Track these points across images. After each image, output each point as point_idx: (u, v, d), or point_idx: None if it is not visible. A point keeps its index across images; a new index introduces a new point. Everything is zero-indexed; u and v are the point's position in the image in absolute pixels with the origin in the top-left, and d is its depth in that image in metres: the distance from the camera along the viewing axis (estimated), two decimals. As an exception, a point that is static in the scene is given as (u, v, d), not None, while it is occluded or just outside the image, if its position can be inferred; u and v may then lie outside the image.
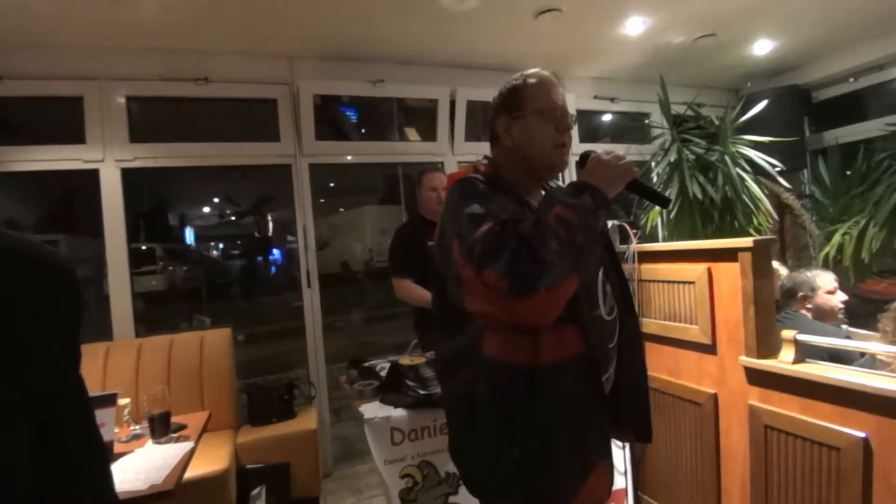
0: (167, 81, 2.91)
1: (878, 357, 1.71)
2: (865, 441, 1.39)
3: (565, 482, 1.00)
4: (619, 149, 4.29)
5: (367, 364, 2.37)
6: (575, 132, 3.92)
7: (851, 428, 1.42)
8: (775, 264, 2.76)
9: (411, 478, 1.84)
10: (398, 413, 1.86)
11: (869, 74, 3.95)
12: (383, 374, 2.15)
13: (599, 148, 1.10)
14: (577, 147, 3.86)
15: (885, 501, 1.37)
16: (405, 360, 2.13)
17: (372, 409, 1.90)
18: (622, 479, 2.17)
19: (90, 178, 2.83)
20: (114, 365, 2.59)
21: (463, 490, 1.88)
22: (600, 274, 1.16)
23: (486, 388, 1.00)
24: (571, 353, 1.01)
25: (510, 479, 0.98)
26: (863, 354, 1.82)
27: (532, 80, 1.15)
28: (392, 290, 2.54)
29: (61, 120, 2.88)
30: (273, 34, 2.85)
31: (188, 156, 3.05)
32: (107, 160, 2.83)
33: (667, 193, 3.48)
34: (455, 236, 0.98)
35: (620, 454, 2.17)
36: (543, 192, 1.19)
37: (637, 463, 2.23)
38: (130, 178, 2.92)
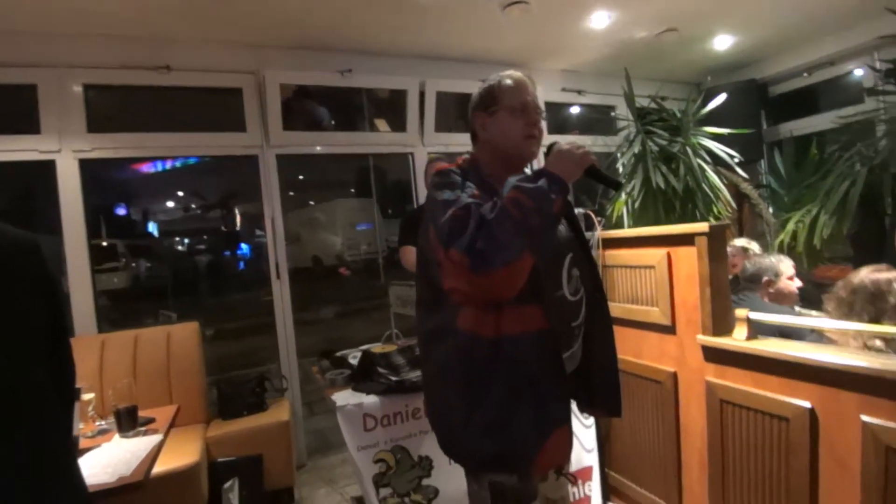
0: (127, 70, 2.83)
1: (825, 334, 1.82)
2: (811, 411, 1.49)
3: (526, 443, 1.11)
4: (586, 140, 4.40)
5: (338, 354, 2.38)
6: (545, 124, 4.05)
7: (798, 399, 1.51)
8: (748, 243, 2.89)
9: (384, 462, 1.86)
10: (370, 400, 1.88)
11: (821, 70, 4.14)
12: (355, 363, 2.17)
13: (568, 139, 1.20)
14: (549, 140, 3.93)
15: (830, 466, 1.46)
16: (377, 349, 2.15)
17: (344, 397, 1.91)
18: (589, 457, 2.25)
19: (46, 171, 2.73)
20: (76, 360, 2.52)
21: (435, 472, 1.92)
22: (567, 258, 1.25)
23: (457, 357, 1.13)
24: (533, 328, 1.11)
25: (479, 439, 1.11)
26: (813, 332, 1.93)
27: (507, 82, 1.26)
28: (399, 259, 2.69)
29: (13, 109, 2.76)
30: (238, 22, 2.80)
31: (150, 146, 2.97)
32: (63, 151, 2.73)
33: (631, 184, 3.59)
34: (431, 221, 1.12)
35: (589, 433, 2.25)
36: None
37: (603, 441, 2.31)
38: (89, 170, 2.83)
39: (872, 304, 1.66)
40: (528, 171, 1.32)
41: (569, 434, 1.17)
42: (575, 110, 4.49)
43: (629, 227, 3.78)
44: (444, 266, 1.08)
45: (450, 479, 1.94)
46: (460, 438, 1.15)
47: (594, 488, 2.27)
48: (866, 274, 1.73)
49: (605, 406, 1.35)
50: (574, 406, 1.37)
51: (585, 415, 2.20)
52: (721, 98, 3.79)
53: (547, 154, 1.21)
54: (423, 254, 1.20)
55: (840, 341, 1.69)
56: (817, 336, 1.89)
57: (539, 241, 1.03)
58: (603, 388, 1.33)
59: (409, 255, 2.58)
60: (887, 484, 1.31)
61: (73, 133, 2.74)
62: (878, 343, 1.58)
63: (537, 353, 1.12)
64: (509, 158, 1.26)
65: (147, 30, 2.77)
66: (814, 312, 2.41)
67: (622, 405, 1.35)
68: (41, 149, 2.70)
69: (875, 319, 1.64)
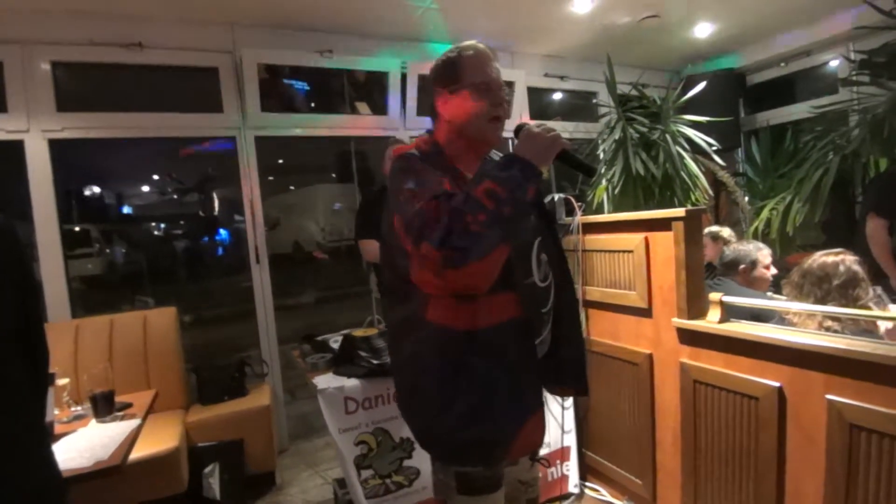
0: (97, 46, 2.73)
1: (789, 317, 1.88)
2: (780, 390, 1.54)
3: (505, 428, 1.11)
4: (567, 126, 4.39)
5: (319, 338, 2.37)
6: (527, 110, 4.04)
7: (767, 378, 1.57)
8: (720, 230, 2.94)
9: (366, 444, 1.88)
10: (352, 383, 1.89)
11: (798, 60, 4.21)
12: (336, 347, 2.16)
13: (550, 124, 1.15)
14: (516, 123, 3.91)
15: (797, 442, 1.53)
16: (358, 332, 2.15)
17: (325, 381, 1.92)
18: (567, 437, 2.30)
19: (14, 151, 2.63)
20: (48, 346, 2.46)
21: (416, 453, 1.94)
22: (535, 243, 1.23)
23: (431, 350, 1.10)
24: (506, 318, 1.11)
25: (455, 428, 1.09)
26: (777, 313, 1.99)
27: (468, 53, 1.18)
28: (360, 253, 2.69)
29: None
30: (214, -1, 2.72)
31: (123, 126, 2.88)
32: (32, 130, 2.64)
33: (612, 170, 3.62)
34: (396, 212, 1.07)
35: (567, 414, 2.30)
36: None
37: (581, 422, 2.36)
38: (60, 151, 2.73)
39: (818, 287, 1.73)
40: (494, 154, 1.29)
41: (542, 419, 1.19)
42: (557, 96, 4.50)
43: (609, 212, 3.83)
44: (413, 258, 1.04)
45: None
46: (436, 428, 1.12)
47: (572, 468, 2.32)
48: (817, 257, 1.80)
49: (572, 385, 1.34)
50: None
51: (558, 397, 2.24)
52: (700, 86, 3.83)
53: (516, 136, 1.15)
54: (388, 242, 1.16)
55: (800, 323, 1.74)
56: (780, 319, 1.95)
57: (514, 232, 1.00)
58: (570, 368, 1.31)
59: (372, 247, 2.52)
60: (850, 458, 1.37)
61: (42, 112, 2.65)
62: (831, 323, 1.64)
63: (511, 342, 1.11)
64: (473, 141, 1.19)
65: (118, 6, 2.67)
66: (783, 297, 2.48)
67: (588, 383, 1.35)
68: (8, 128, 2.60)
69: (821, 300, 1.71)
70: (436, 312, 1.09)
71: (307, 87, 3.52)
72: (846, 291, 1.70)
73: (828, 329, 1.62)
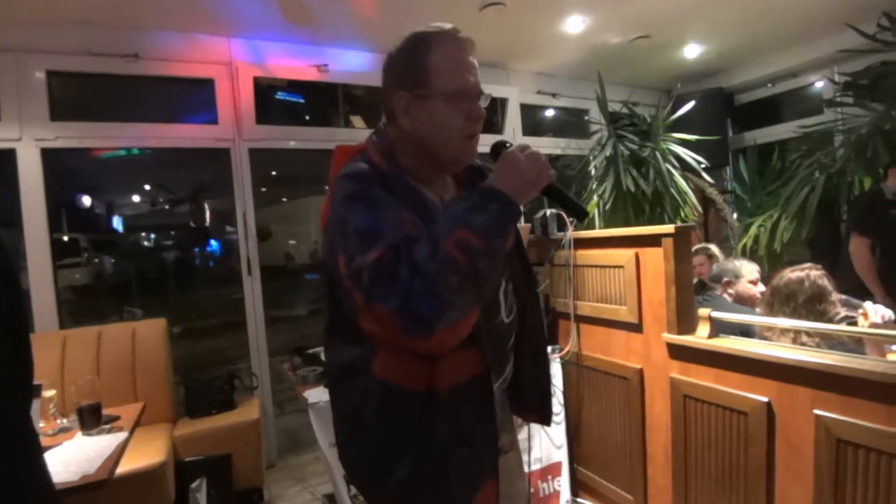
0: (93, 57, 2.74)
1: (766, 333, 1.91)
2: (768, 405, 1.56)
3: (455, 500, 0.95)
4: (559, 143, 4.44)
5: (310, 351, 2.36)
6: (519, 126, 4.10)
7: (756, 394, 1.58)
8: (709, 247, 2.99)
9: (356, 459, 1.86)
10: (343, 396, 1.88)
11: (784, 81, 4.32)
12: (328, 359, 2.15)
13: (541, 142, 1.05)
14: (523, 140, 3.92)
15: (786, 457, 1.54)
16: (350, 345, 2.14)
17: (316, 394, 1.90)
18: (558, 453, 2.29)
19: (6, 160, 2.62)
20: (35, 357, 2.43)
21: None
22: (505, 275, 1.06)
23: (376, 409, 0.92)
24: (465, 377, 0.93)
25: (398, 495, 0.93)
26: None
27: (439, 48, 0.93)
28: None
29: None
30: (211, 11, 2.74)
31: (116, 136, 2.89)
32: (24, 139, 2.63)
33: (603, 186, 3.67)
34: (341, 249, 0.84)
35: (559, 430, 2.29)
36: (442, 202, 0.99)
37: (572, 436, 2.36)
38: (52, 160, 2.73)
39: (786, 304, 1.78)
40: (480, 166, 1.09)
41: (496, 486, 1.00)
42: (549, 113, 4.56)
43: (600, 228, 3.87)
44: (361, 312, 0.83)
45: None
46: (375, 492, 0.98)
47: (563, 483, 2.31)
48: (785, 274, 1.85)
49: (534, 412, 1.20)
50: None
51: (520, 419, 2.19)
52: (690, 105, 3.92)
53: (494, 155, 0.94)
54: (331, 272, 0.92)
55: (775, 339, 1.78)
56: (761, 336, 1.97)
57: (487, 287, 0.86)
58: (535, 397, 1.16)
59: None
60: (838, 472, 1.38)
61: (35, 121, 2.65)
62: (806, 339, 1.67)
63: (470, 403, 0.93)
64: (437, 157, 0.97)
65: (114, 17, 2.69)
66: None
67: (550, 412, 1.21)
68: (0, 137, 2.59)
69: (791, 317, 1.75)
70: (383, 367, 0.91)
71: (302, 100, 3.55)
72: (812, 307, 1.75)
73: (803, 344, 1.66)
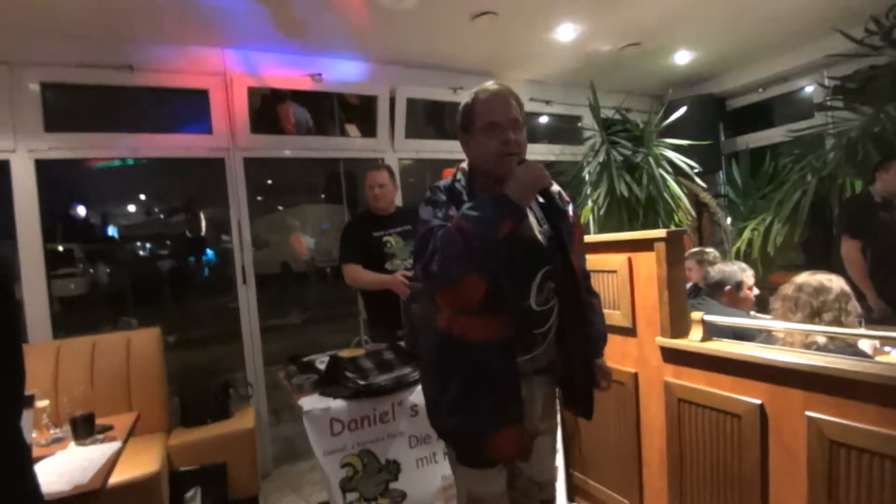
0: (87, 68, 2.75)
1: (774, 334, 1.92)
2: (761, 407, 1.56)
3: (478, 430, 1.29)
4: (553, 149, 4.46)
5: (305, 359, 2.35)
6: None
7: (749, 396, 1.59)
8: (704, 252, 2.99)
9: (351, 467, 1.85)
10: (337, 404, 1.87)
11: (775, 85, 4.36)
12: (322, 368, 2.15)
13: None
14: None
15: (779, 459, 1.54)
16: (345, 353, 2.14)
17: (311, 402, 1.90)
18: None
19: (0, 171, 2.62)
20: (28, 368, 2.41)
21: (402, 476, 1.92)
22: (541, 271, 1.34)
23: (432, 348, 1.36)
24: (491, 336, 1.26)
25: (442, 416, 1.35)
26: (762, 333, 2.03)
27: (482, 97, 1.33)
28: (343, 277, 2.67)
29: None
30: (205, 22, 2.76)
31: (111, 147, 2.89)
32: (18, 150, 2.63)
33: (597, 192, 3.70)
34: (415, 235, 1.32)
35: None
36: None
37: (568, 441, 2.35)
38: (46, 171, 2.73)
39: (815, 297, 1.78)
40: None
41: (519, 433, 1.31)
42: (543, 120, 4.59)
43: (594, 233, 3.89)
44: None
45: (417, 482, 1.94)
46: (435, 407, 1.38)
47: (559, 488, 2.30)
48: (808, 275, 1.86)
49: (577, 407, 1.49)
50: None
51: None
52: (682, 110, 3.95)
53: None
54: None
55: (786, 339, 1.78)
56: (766, 337, 1.98)
57: (487, 262, 1.16)
58: (576, 391, 1.46)
59: (355, 274, 2.58)
60: (831, 474, 1.39)
61: (30, 132, 2.65)
62: (820, 339, 1.68)
63: (494, 358, 1.27)
64: (492, 175, 1.33)
65: (108, 29, 2.70)
66: (768, 316, 2.52)
67: (593, 410, 1.49)
68: (-6, 148, 2.59)
69: (817, 311, 1.75)
70: (442, 320, 1.30)
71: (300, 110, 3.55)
72: (840, 304, 1.76)
73: (813, 344, 1.67)
